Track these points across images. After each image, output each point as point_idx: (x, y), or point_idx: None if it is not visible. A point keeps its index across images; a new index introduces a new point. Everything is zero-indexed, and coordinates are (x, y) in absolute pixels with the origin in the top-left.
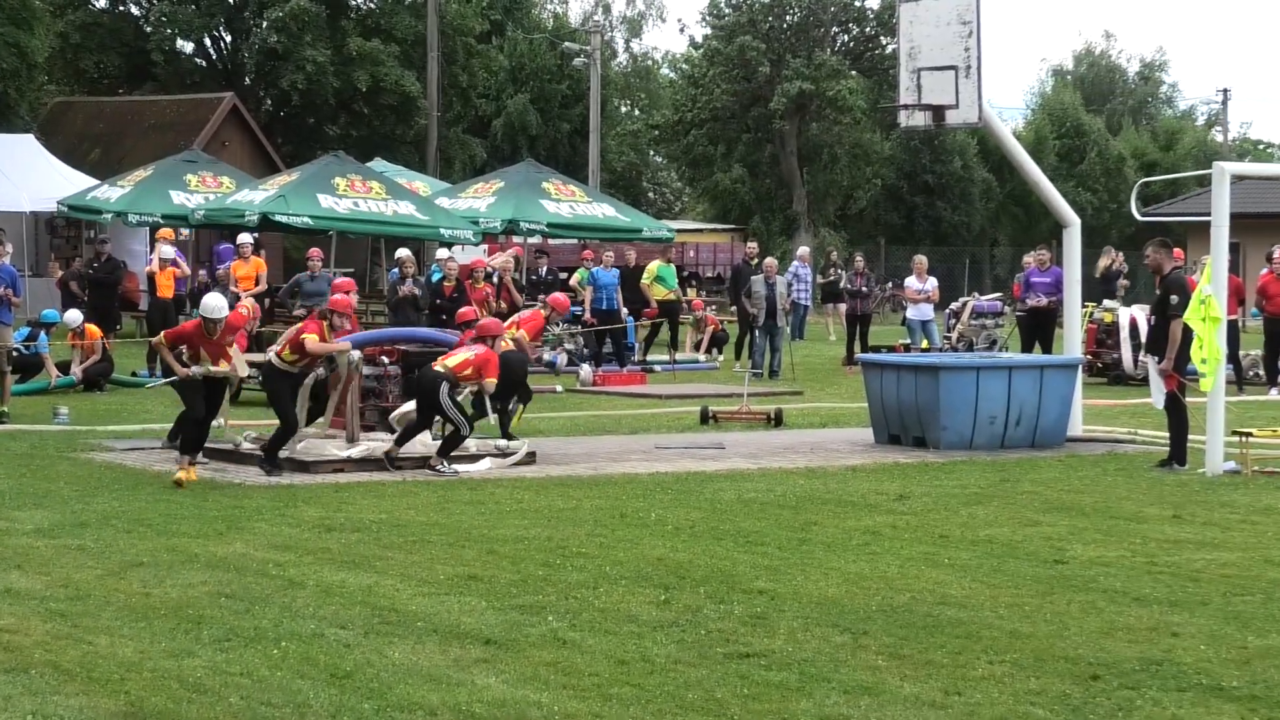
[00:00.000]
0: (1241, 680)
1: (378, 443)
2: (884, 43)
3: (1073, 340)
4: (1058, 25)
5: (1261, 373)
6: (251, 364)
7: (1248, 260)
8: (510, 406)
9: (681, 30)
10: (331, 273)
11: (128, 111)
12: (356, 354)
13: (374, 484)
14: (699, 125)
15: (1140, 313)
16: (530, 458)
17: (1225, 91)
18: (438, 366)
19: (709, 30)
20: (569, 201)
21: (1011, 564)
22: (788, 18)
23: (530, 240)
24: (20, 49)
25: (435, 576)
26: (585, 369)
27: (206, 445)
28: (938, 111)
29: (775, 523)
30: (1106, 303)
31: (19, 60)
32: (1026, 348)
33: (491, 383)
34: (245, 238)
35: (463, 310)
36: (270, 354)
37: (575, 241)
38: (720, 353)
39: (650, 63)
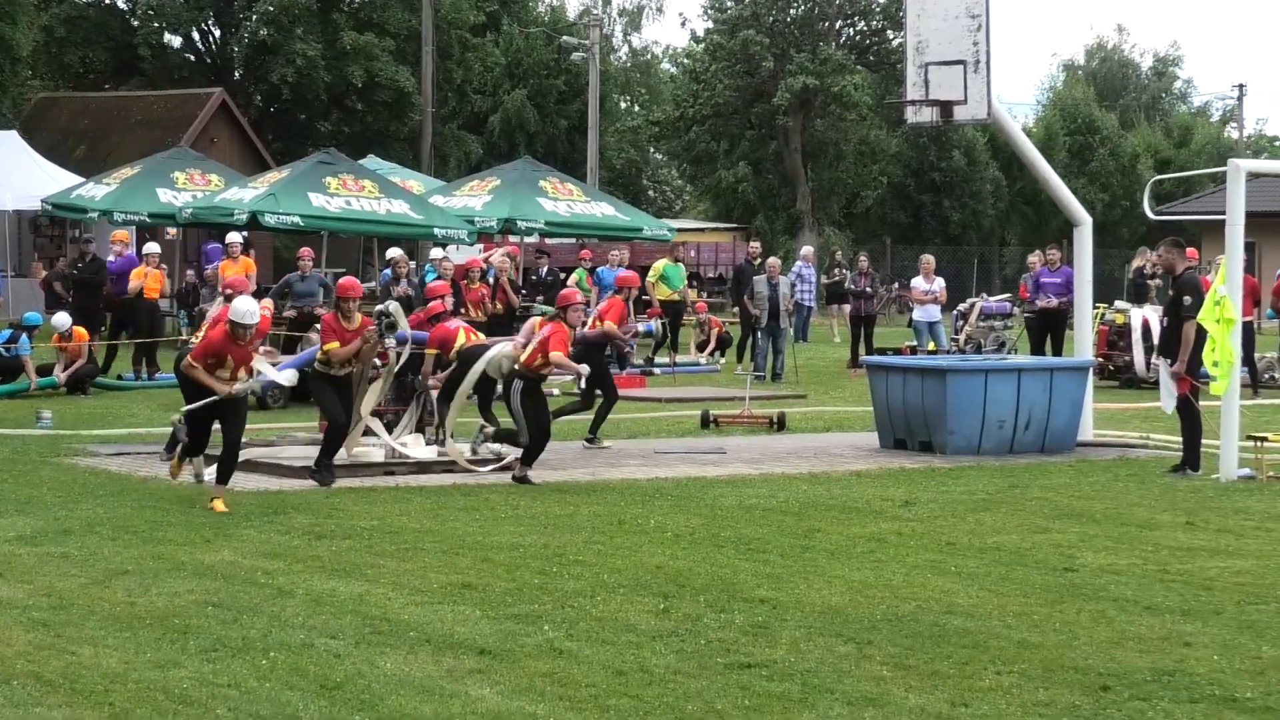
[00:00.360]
0: (1255, 691)
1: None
2: (891, 37)
3: (1083, 342)
4: (1069, 18)
5: (1277, 376)
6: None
7: (1263, 260)
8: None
9: (683, 24)
10: (323, 273)
11: (114, 107)
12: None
13: (365, 490)
14: (700, 121)
15: (1153, 314)
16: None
17: (1241, 87)
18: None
19: (711, 24)
20: (567, 200)
21: (1020, 572)
22: (792, 11)
23: (528, 240)
24: (3, 42)
25: (428, 585)
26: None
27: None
28: (946, 107)
29: (777, 530)
30: (1118, 304)
31: (2, 54)
32: (1036, 350)
33: (557, 355)
34: (234, 237)
35: (432, 304)
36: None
37: (573, 241)
38: (722, 355)
39: (650, 57)
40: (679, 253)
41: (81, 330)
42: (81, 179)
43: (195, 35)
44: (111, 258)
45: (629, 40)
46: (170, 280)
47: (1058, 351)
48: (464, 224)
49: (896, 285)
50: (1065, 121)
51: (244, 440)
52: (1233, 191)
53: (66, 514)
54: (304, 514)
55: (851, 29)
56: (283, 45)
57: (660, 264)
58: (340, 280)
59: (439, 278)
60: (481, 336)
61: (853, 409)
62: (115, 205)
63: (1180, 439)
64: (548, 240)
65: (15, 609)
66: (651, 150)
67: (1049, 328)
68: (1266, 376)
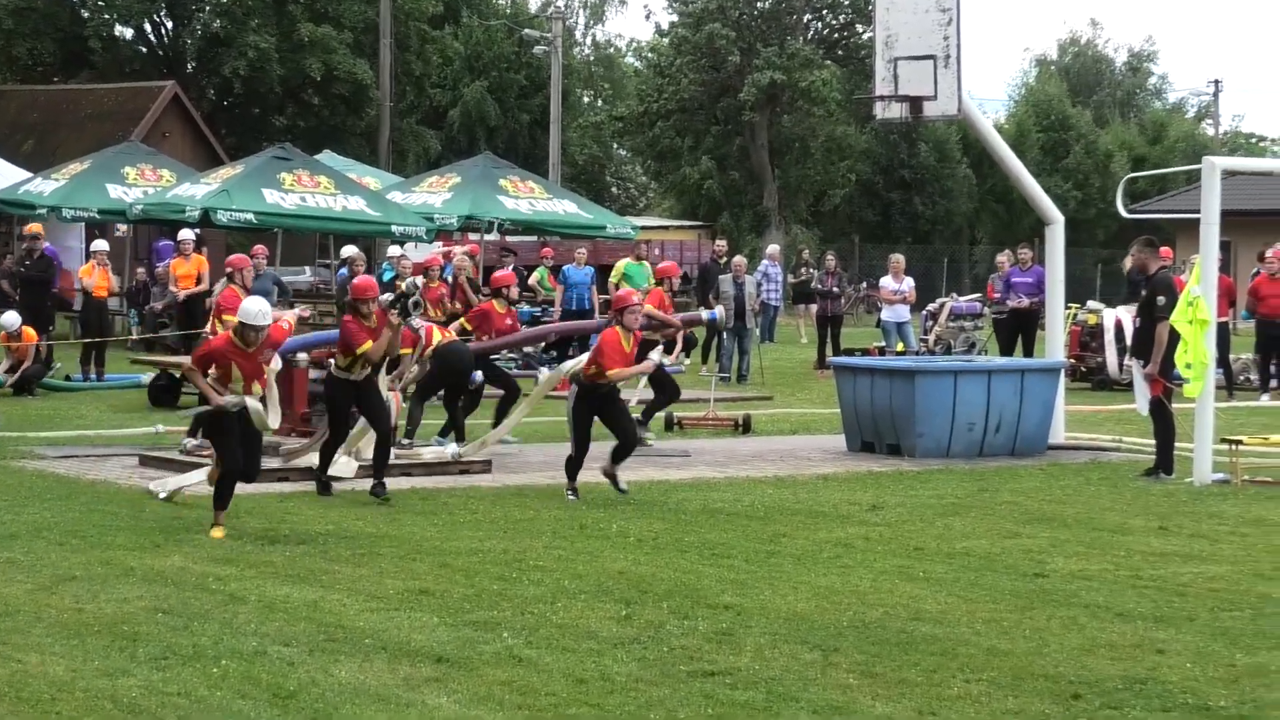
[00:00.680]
0: (1230, 700)
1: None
2: (860, 31)
3: (1055, 343)
4: (1042, 12)
5: (1253, 377)
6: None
7: (1239, 260)
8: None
9: (647, 17)
10: (277, 271)
11: (63, 101)
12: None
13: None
14: (665, 117)
15: (1126, 314)
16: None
17: (1217, 83)
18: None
19: (676, 17)
20: (528, 198)
21: (989, 578)
22: (759, 4)
23: (488, 237)
24: None
25: (385, 591)
26: (544, 373)
27: (143, 453)
28: (915, 103)
29: (742, 534)
30: (1091, 304)
31: None
32: (1006, 350)
33: (616, 372)
34: (186, 234)
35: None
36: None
37: (535, 239)
38: (687, 356)
39: (614, 51)
40: (641, 250)
41: (30, 330)
42: (29, 174)
43: (147, 27)
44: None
45: (592, 33)
46: (120, 278)
47: (1029, 352)
48: (422, 221)
49: (865, 285)
50: (1038, 118)
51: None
52: (1208, 189)
53: (12, 518)
54: (257, 518)
55: (820, 23)
56: (236, 38)
57: (621, 263)
58: (356, 282)
59: (397, 276)
60: (452, 334)
61: (820, 411)
62: (64, 201)
63: (1153, 442)
64: (509, 238)
65: None
66: (615, 146)
67: (1020, 328)
68: (1242, 379)
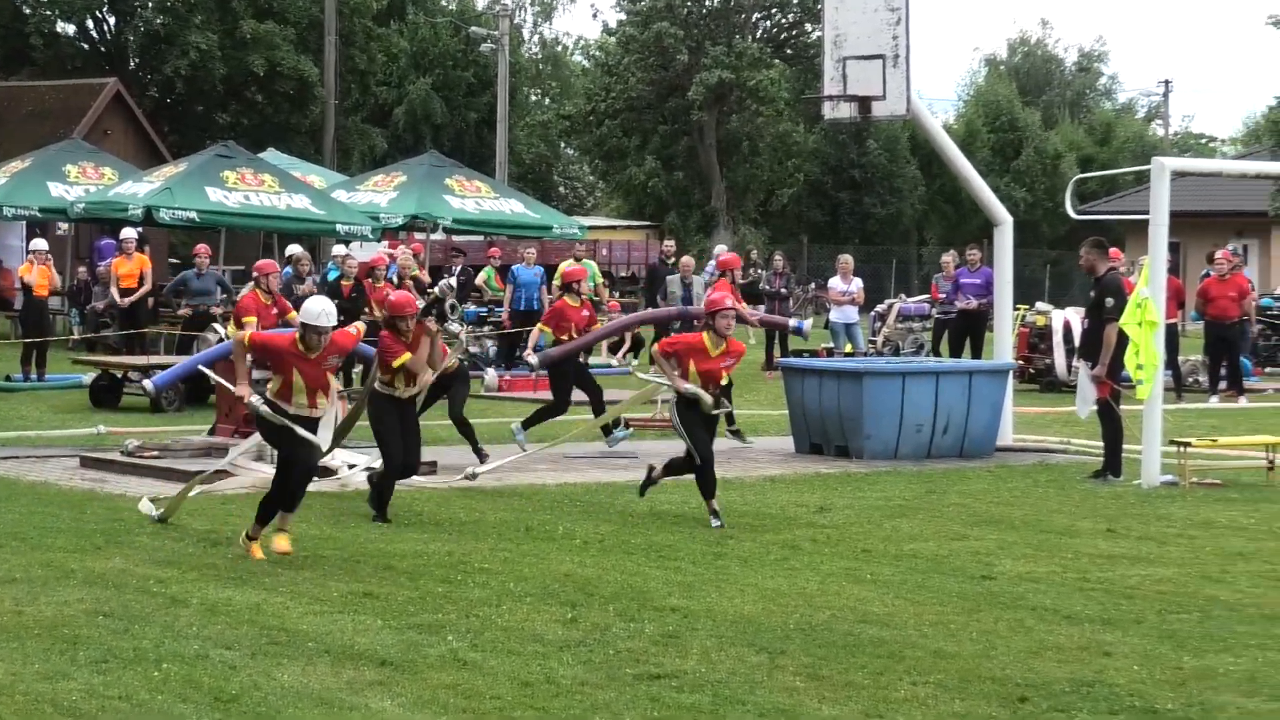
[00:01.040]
0: (1176, 702)
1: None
2: (809, 30)
3: (1003, 344)
4: (992, 12)
5: (1202, 379)
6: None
7: (1188, 261)
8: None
9: (594, 15)
10: (220, 270)
11: (3, 98)
12: None
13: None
14: (613, 116)
15: (1074, 316)
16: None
17: (1167, 83)
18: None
19: (624, 15)
20: (475, 197)
21: (937, 580)
22: (707, 3)
23: (434, 237)
24: None
25: (328, 594)
26: (490, 374)
27: (84, 454)
28: (864, 103)
29: (689, 536)
30: (1039, 305)
31: None
32: (955, 352)
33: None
34: (128, 233)
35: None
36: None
37: (481, 239)
38: (635, 357)
39: (562, 49)
40: (579, 251)
41: None
42: None
43: (89, 24)
44: None
45: (539, 31)
46: (62, 277)
47: (977, 354)
48: (368, 220)
49: (813, 285)
50: (988, 118)
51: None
52: (1157, 191)
53: None
54: (199, 520)
55: (769, 22)
56: (178, 35)
57: (564, 266)
58: (393, 298)
59: (342, 276)
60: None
61: (768, 412)
62: (5, 199)
63: (1101, 444)
64: (455, 238)
65: None
66: (562, 145)
67: (969, 329)
68: (1190, 380)
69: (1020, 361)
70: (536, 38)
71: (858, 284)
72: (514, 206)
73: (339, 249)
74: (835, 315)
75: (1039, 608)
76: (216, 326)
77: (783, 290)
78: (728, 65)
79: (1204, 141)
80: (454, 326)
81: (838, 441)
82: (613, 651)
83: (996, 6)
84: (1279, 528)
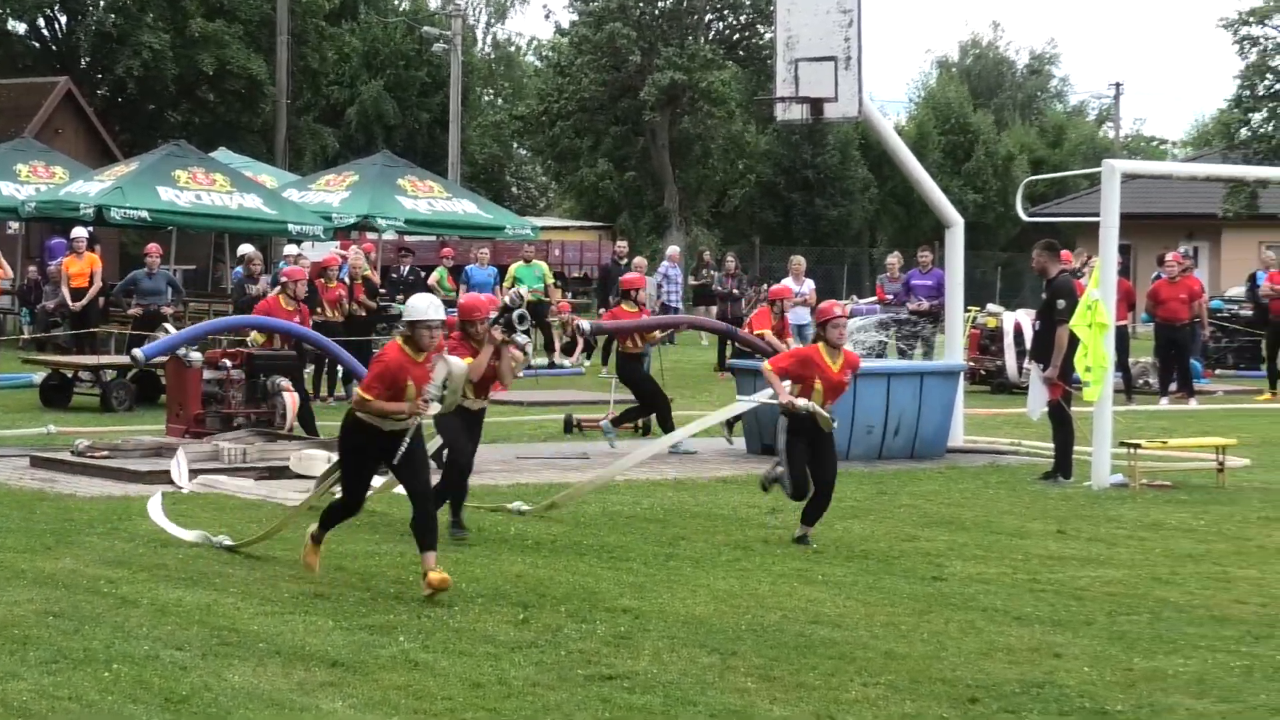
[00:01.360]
0: (1126, 704)
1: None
2: (761, 31)
3: (954, 346)
4: (943, 14)
5: (1152, 381)
6: None
7: (1139, 263)
8: None
9: (547, 16)
10: (171, 270)
11: None
12: (198, 355)
13: (216, 497)
14: (566, 116)
15: (1025, 318)
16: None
17: (1118, 86)
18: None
19: (576, 16)
20: (427, 197)
21: (888, 581)
22: (660, 4)
23: (385, 237)
24: None
25: (279, 594)
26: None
27: (34, 454)
28: (816, 104)
29: (641, 537)
30: (990, 307)
31: None
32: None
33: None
34: (79, 232)
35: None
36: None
37: (434, 239)
38: (587, 358)
39: (514, 50)
40: (528, 252)
41: None
42: None
43: (40, 22)
44: None
45: (493, 32)
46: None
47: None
48: (320, 220)
49: (765, 287)
50: (939, 120)
51: (86, 444)
52: (1107, 193)
53: None
54: (149, 520)
55: (721, 23)
56: (130, 34)
57: (513, 268)
58: (463, 301)
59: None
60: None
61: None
62: None
63: (1052, 445)
64: (406, 239)
65: None
66: (515, 146)
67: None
68: (1141, 382)
69: (971, 363)
70: (489, 38)
71: (810, 285)
72: (466, 207)
73: (290, 249)
74: (788, 316)
75: (989, 609)
76: (168, 326)
77: (735, 291)
78: (680, 66)
79: (1155, 144)
80: (521, 338)
81: None
82: (564, 652)
83: (948, 9)
84: (1228, 530)
